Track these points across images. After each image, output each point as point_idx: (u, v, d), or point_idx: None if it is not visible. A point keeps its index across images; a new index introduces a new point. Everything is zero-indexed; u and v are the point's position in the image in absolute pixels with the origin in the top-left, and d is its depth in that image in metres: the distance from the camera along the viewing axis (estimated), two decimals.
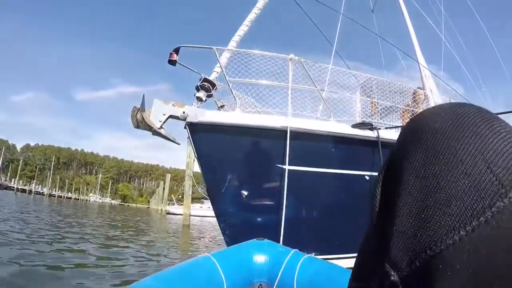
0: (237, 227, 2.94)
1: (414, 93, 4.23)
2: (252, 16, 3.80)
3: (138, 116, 2.84)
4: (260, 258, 1.99)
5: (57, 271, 3.13)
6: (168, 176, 28.85)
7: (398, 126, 3.61)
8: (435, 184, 0.23)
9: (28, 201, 24.60)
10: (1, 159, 48.87)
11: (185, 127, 2.90)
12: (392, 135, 3.37)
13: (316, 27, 5.12)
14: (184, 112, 2.82)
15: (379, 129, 3.24)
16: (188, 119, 2.81)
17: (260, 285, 1.95)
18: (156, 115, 2.79)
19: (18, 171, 65.35)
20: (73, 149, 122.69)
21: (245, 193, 2.91)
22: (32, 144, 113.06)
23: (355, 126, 3.27)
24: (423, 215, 0.23)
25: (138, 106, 2.85)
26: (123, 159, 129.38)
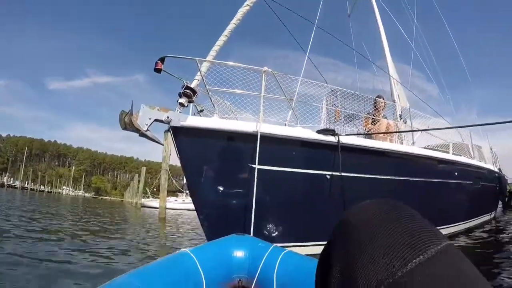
0: (214, 219, 3.54)
1: (375, 102, 4.96)
2: (231, 26, 4.36)
3: (126, 119, 3.36)
4: (239, 253, 2.07)
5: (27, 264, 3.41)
6: (144, 169, 29.16)
7: (356, 134, 4.33)
8: (350, 264, 0.34)
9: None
10: None
11: (168, 130, 3.46)
12: (352, 140, 4.07)
13: (291, 34, 5.73)
14: (168, 117, 3.37)
15: (340, 135, 3.92)
16: (172, 123, 3.36)
17: (240, 280, 2.03)
18: (143, 118, 3.32)
19: None
20: (45, 140, 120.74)
21: (221, 188, 3.51)
22: (3, 135, 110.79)
23: (319, 132, 3.94)
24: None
25: (126, 111, 3.38)
26: (97, 151, 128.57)
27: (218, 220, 3.53)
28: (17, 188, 59.32)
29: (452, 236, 5.66)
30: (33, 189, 65.98)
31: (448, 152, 6.27)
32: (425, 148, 6.43)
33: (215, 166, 3.56)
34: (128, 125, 3.37)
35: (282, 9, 5.48)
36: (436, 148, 6.39)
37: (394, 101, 6.66)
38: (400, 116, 5.88)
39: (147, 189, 35.11)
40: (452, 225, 5.91)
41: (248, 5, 4.65)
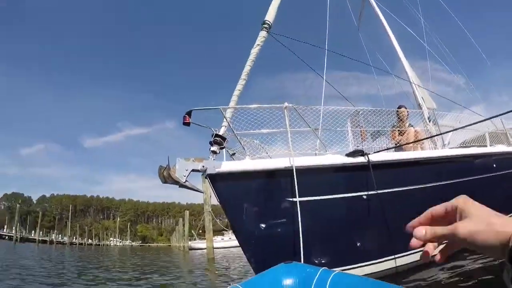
0: (259, 255, 3.73)
1: (397, 112, 5.08)
2: (247, 69, 4.70)
3: (165, 173, 3.70)
4: (289, 281, 2.06)
5: None
6: (187, 212, 30.46)
7: (385, 149, 4.46)
8: None
9: (50, 252, 25.49)
10: (18, 212, 51.08)
11: (205, 178, 3.76)
12: (381, 156, 4.20)
13: (306, 64, 6.02)
14: (203, 166, 3.67)
15: (369, 154, 4.07)
16: (208, 171, 3.66)
17: None
18: (180, 171, 3.63)
19: (39, 223, 67.75)
20: (88, 196, 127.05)
21: (263, 225, 3.72)
22: (47, 195, 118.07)
23: (348, 155, 4.11)
24: None
25: (164, 165, 3.73)
26: (139, 201, 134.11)
27: (263, 255, 3.72)
28: (65, 243, 61.80)
29: None
30: (81, 243, 68.29)
31: (485, 145, 6.19)
32: (461, 145, 6.38)
33: (254, 205, 3.79)
34: (168, 179, 3.70)
35: (291, 40, 5.83)
36: (472, 142, 6.32)
37: (419, 104, 6.71)
38: (429, 119, 5.92)
39: (192, 231, 36.11)
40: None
41: (259, 44, 4.99)
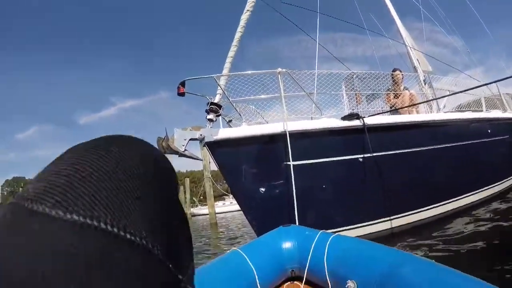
0: (260, 217, 3.90)
1: (392, 76, 5.14)
2: (238, 35, 4.67)
3: (164, 144, 3.78)
4: (288, 244, 2.14)
5: None
6: (187, 180, 31.43)
7: (380, 113, 4.55)
8: None
9: None
10: None
11: (204, 145, 3.85)
12: (376, 120, 4.30)
13: (298, 28, 5.98)
14: (201, 135, 3.75)
15: (364, 117, 4.16)
16: (206, 139, 3.74)
17: (293, 270, 2.10)
18: (178, 141, 3.71)
19: None
20: None
21: (262, 189, 3.87)
22: None
23: (344, 118, 4.20)
24: None
25: (162, 136, 3.80)
26: None
27: (264, 217, 3.88)
28: None
29: (494, 198, 5.75)
30: None
31: (481, 109, 6.30)
32: (456, 109, 6.48)
33: (253, 169, 3.91)
34: (167, 149, 3.78)
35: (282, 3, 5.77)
36: (468, 106, 6.42)
37: (414, 67, 6.75)
38: (424, 82, 5.98)
39: (194, 198, 36.86)
40: (492, 185, 5.93)
41: (248, 10, 4.93)
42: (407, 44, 6.74)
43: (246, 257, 1.91)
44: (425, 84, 5.96)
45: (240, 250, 1.97)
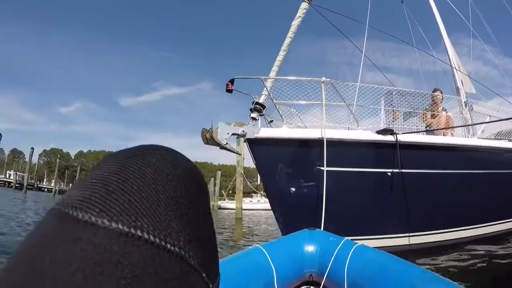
0: (288, 216, 4.37)
1: (432, 96, 5.48)
2: (288, 41, 5.14)
3: (208, 135, 4.32)
4: (310, 248, 2.18)
5: None
6: (219, 173, 32.74)
7: (415, 132, 4.92)
8: None
9: None
10: (57, 166, 55.36)
11: (244, 141, 4.38)
12: (409, 138, 4.67)
13: (347, 38, 6.37)
14: (243, 131, 4.27)
15: (397, 134, 4.55)
16: (247, 136, 4.26)
17: (311, 275, 2.14)
18: (222, 134, 4.23)
19: (77, 176, 74.03)
20: None
21: (293, 189, 4.35)
22: (84, 151, 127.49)
23: (379, 132, 4.61)
24: None
25: (207, 128, 4.35)
26: None
27: (291, 217, 4.36)
28: None
29: None
30: None
31: None
32: (496, 135, 6.66)
33: (287, 169, 4.39)
34: (210, 141, 4.32)
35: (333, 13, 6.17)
36: (508, 134, 6.58)
37: (457, 88, 7.00)
38: (465, 104, 6.25)
39: (223, 191, 38.44)
40: None
41: (300, 16, 5.38)
42: (452, 65, 7.00)
43: (267, 254, 1.99)
44: (465, 106, 6.24)
45: (262, 248, 2.05)
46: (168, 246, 0.23)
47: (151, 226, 0.22)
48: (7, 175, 51.13)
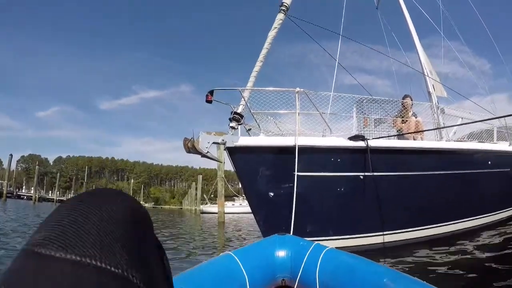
0: (268, 219, 4.78)
1: (402, 102, 6.03)
2: (264, 52, 5.58)
3: (189, 144, 4.70)
4: (281, 253, 2.28)
5: None
6: (200, 177, 33.76)
7: (383, 137, 5.43)
8: None
9: None
10: (37, 173, 54.62)
11: (224, 150, 4.79)
12: (379, 143, 5.16)
13: (322, 48, 6.88)
14: (223, 140, 4.68)
15: (368, 139, 5.04)
16: (227, 145, 4.68)
17: (283, 280, 2.22)
18: (203, 143, 4.62)
19: (56, 183, 73.97)
20: (103, 157, 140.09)
21: (271, 194, 4.79)
22: (63, 156, 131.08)
23: (350, 138, 5.10)
24: None
25: (189, 138, 4.75)
26: (152, 163, 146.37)
27: (270, 220, 4.79)
28: None
29: (487, 227, 6.40)
30: None
31: (492, 138, 7.05)
32: (468, 136, 7.23)
33: (265, 175, 4.81)
34: (191, 149, 4.71)
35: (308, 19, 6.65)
36: (480, 134, 7.10)
37: (429, 92, 7.59)
38: (437, 107, 6.82)
39: (204, 195, 38.90)
40: (486, 215, 6.59)
41: (276, 27, 5.84)
42: (424, 72, 7.59)
43: (238, 261, 2.05)
44: (438, 109, 6.80)
45: (233, 254, 2.11)
46: (112, 268, 0.29)
47: (98, 254, 0.29)
48: None
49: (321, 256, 2.07)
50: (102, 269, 0.29)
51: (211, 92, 4.88)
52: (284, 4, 5.92)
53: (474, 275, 3.59)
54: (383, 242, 5.25)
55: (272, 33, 5.77)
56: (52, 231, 0.30)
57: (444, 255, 4.64)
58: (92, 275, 0.28)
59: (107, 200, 0.36)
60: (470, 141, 6.88)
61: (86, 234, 0.31)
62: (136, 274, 0.31)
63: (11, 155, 46.25)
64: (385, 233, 5.24)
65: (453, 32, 10.29)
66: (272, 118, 5.26)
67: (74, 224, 0.31)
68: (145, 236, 0.38)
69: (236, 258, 2.07)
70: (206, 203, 37.42)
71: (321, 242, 2.35)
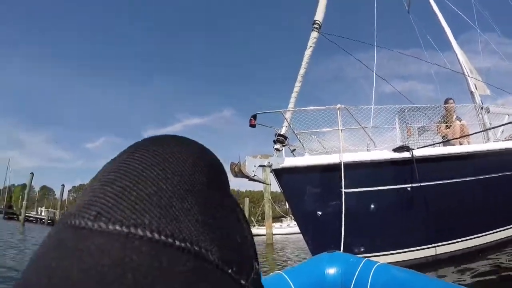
0: (316, 239, 4.96)
1: (445, 107, 5.99)
2: (302, 71, 5.77)
3: (236, 169, 4.94)
4: (331, 271, 2.26)
5: None
6: (247, 200, 34.55)
7: (427, 146, 5.42)
8: None
9: None
10: None
11: (271, 172, 5.01)
12: (424, 152, 5.16)
13: (358, 60, 6.98)
14: (269, 162, 4.89)
15: (413, 149, 5.07)
16: (273, 167, 4.89)
17: None
18: (249, 167, 4.83)
19: None
20: None
21: (319, 213, 4.94)
22: None
23: (395, 150, 5.16)
24: None
25: (235, 162, 5.00)
26: None
27: (319, 239, 4.92)
28: None
29: None
30: None
31: None
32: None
33: (312, 195, 4.98)
34: (238, 174, 4.93)
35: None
36: None
37: (471, 92, 7.44)
38: (481, 108, 6.68)
39: (252, 218, 39.42)
40: None
41: (311, 46, 6.01)
42: (464, 72, 7.45)
43: (289, 280, 2.04)
44: (482, 109, 6.66)
45: (284, 274, 2.12)
46: (177, 242, 0.21)
47: (154, 222, 0.21)
48: (39, 212, 53.38)
49: (372, 271, 2.07)
50: (162, 242, 0.21)
51: (254, 116, 5.13)
52: (316, 22, 6.08)
53: None
54: (435, 255, 5.21)
55: (308, 52, 5.95)
56: (93, 194, 0.23)
57: (502, 263, 4.55)
58: (146, 252, 0.20)
59: (169, 148, 0.26)
60: None
61: (138, 196, 0.22)
62: (213, 249, 0.23)
63: (63, 185, 48.95)
64: (437, 244, 5.21)
65: (488, 25, 10.02)
66: (315, 136, 5.43)
67: (121, 182, 0.23)
68: (222, 196, 0.28)
69: (286, 277, 2.10)
70: (254, 225, 37.56)
71: (371, 258, 2.37)
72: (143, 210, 0.21)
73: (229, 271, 0.23)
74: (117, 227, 0.20)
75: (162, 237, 0.21)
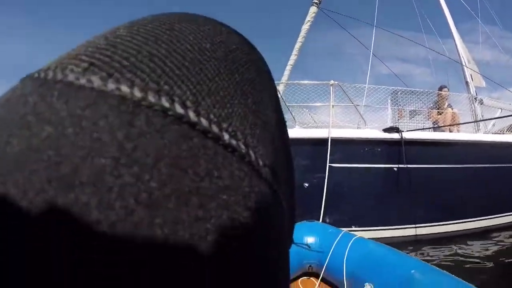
0: (302, 209, 5.05)
1: (438, 93, 6.06)
2: (298, 45, 5.79)
3: None
4: (310, 239, 2.30)
5: None
6: None
7: (418, 129, 5.51)
8: None
9: None
10: None
11: None
12: (413, 135, 5.23)
13: (356, 39, 6.99)
14: None
15: (403, 131, 5.15)
16: None
17: (310, 266, 2.26)
18: None
19: None
20: None
21: (306, 184, 5.03)
22: None
23: (385, 130, 5.24)
24: None
25: None
26: None
27: (302, 207, 4.98)
28: None
29: None
30: None
31: None
32: (508, 128, 7.09)
33: (300, 167, 5.06)
34: None
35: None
36: None
37: (466, 82, 7.52)
38: (475, 99, 6.77)
39: None
40: None
41: (309, 20, 6.01)
42: (462, 62, 7.50)
43: None
44: (476, 100, 6.75)
45: None
46: (226, 136, 0.13)
47: (188, 92, 0.12)
48: None
49: (350, 244, 2.09)
50: (203, 130, 0.12)
51: None
52: None
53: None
54: (416, 235, 5.34)
55: (305, 27, 5.95)
56: (90, 44, 0.13)
57: (478, 249, 4.68)
58: (171, 132, 0.11)
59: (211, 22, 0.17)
60: (510, 133, 6.78)
61: (164, 52, 0.13)
62: (255, 147, 0.14)
63: None
64: (417, 225, 5.34)
65: (491, 18, 10.07)
66: (307, 110, 5.47)
67: (138, 36, 0.13)
68: (267, 94, 0.18)
69: None
70: None
71: (352, 232, 2.37)
72: (169, 71, 0.12)
73: (275, 187, 0.15)
74: (123, 87, 0.11)
75: (204, 122, 0.12)
